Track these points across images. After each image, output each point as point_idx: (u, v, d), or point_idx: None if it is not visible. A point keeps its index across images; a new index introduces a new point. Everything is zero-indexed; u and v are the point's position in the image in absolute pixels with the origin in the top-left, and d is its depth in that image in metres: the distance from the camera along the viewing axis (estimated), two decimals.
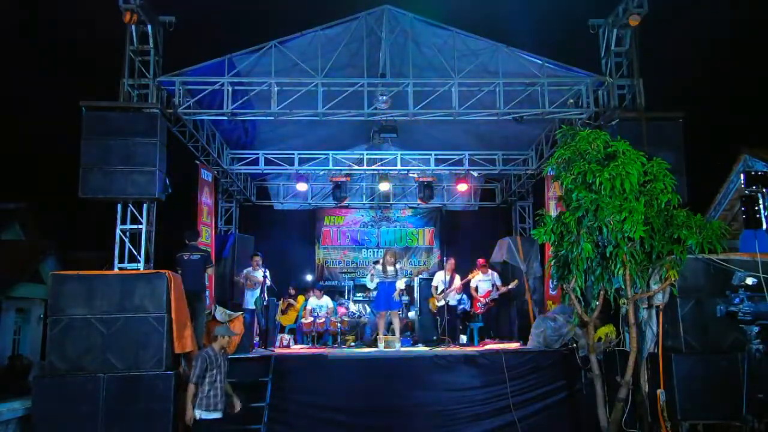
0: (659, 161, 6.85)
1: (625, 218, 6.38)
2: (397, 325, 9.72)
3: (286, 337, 11.05)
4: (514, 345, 9.73)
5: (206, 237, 10.32)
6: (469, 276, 11.09)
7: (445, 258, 11.46)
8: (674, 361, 6.95)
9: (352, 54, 9.77)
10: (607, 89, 9.13)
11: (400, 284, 9.89)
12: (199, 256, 8.44)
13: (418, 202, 14.20)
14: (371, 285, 10.21)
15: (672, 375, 6.91)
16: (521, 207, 14.10)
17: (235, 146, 12.57)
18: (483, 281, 11.07)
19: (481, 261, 11.19)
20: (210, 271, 8.29)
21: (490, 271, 11.19)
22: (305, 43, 9.24)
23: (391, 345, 9.40)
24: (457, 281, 10.85)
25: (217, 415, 6.32)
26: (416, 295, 11.47)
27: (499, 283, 11.09)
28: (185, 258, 8.35)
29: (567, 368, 8.19)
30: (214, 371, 6.33)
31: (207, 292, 8.75)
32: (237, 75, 9.16)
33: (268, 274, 9.95)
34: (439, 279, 10.84)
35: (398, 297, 9.80)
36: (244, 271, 10.27)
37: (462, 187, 13.60)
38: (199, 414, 6.25)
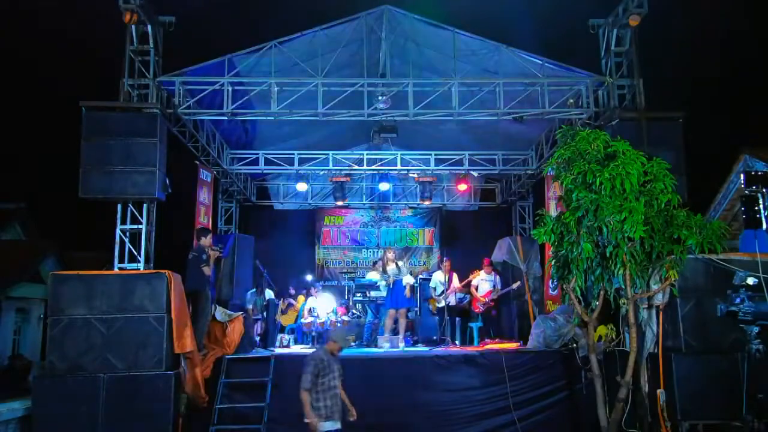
0: (659, 161, 6.85)
1: (625, 218, 6.37)
2: (402, 325, 9.71)
3: (286, 337, 11.05)
4: (514, 345, 9.73)
5: None
6: (471, 277, 11.08)
7: (445, 258, 11.46)
8: (674, 361, 6.95)
9: (352, 54, 9.77)
10: (607, 89, 9.14)
11: (409, 279, 9.87)
12: (191, 255, 8.35)
13: (418, 202, 14.20)
14: (383, 288, 10.14)
15: (672, 375, 6.91)
16: (521, 207, 14.10)
17: (235, 146, 12.57)
18: (485, 281, 11.06)
19: (486, 260, 11.21)
20: (206, 270, 8.23)
21: (492, 272, 11.19)
22: (305, 43, 9.24)
23: (394, 345, 9.40)
24: (456, 281, 10.85)
25: (335, 426, 5.63)
26: (416, 295, 11.47)
27: (499, 286, 11.08)
28: (187, 258, 8.36)
29: (567, 368, 8.18)
30: (328, 377, 5.63)
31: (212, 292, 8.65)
32: (237, 75, 9.17)
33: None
34: (437, 280, 10.83)
35: (410, 294, 9.79)
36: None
37: (462, 187, 13.61)
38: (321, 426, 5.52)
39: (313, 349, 9.50)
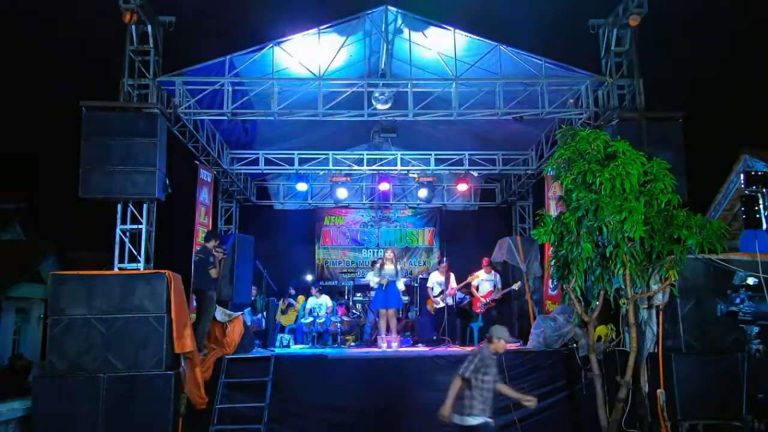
0: (659, 161, 6.85)
1: (625, 218, 6.38)
2: (393, 325, 9.71)
3: (286, 337, 11.05)
4: (514, 345, 9.72)
5: (202, 238, 10.32)
6: (469, 278, 11.07)
7: (445, 258, 11.46)
8: (674, 361, 6.95)
9: (352, 54, 9.77)
10: (607, 89, 9.13)
11: (401, 286, 9.86)
12: (197, 257, 8.45)
13: (418, 202, 14.20)
14: (374, 283, 10.20)
15: (672, 375, 6.92)
16: (521, 207, 14.10)
17: (235, 146, 12.57)
18: (485, 281, 11.06)
19: (485, 260, 11.21)
20: (213, 272, 8.27)
21: (493, 272, 11.19)
22: (305, 43, 9.24)
23: (389, 344, 9.40)
24: (453, 282, 10.84)
25: (484, 419, 5.55)
26: (416, 295, 11.47)
27: (500, 285, 11.08)
28: (193, 259, 8.38)
29: (567, 368, 8.18)
30: (487, 376, 5.59)
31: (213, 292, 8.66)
32: (237, 75, 9.17)
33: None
34: (435, 280, 10.81)
35: (402, 296, 9.79)
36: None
37: (462, 187, 13.60)
38: (460, 419, 5.49)
39: (321, 349, 9.53)
